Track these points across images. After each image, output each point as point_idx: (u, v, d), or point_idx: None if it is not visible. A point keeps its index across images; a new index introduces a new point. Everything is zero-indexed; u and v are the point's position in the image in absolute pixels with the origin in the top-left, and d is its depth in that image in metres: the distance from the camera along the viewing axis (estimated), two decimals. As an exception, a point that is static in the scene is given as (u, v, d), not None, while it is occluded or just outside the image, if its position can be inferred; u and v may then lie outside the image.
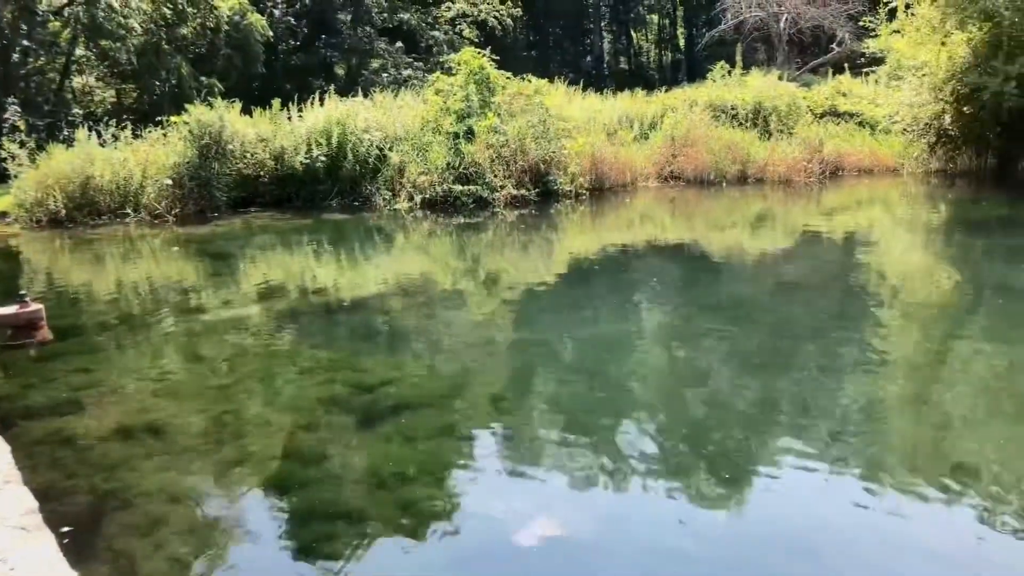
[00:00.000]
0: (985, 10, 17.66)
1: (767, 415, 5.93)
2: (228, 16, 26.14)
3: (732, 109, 20.07)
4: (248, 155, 16.59)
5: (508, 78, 17.77)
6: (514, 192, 16.04)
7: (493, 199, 15.80)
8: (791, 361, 7.14)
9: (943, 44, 18.91)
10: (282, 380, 6.72)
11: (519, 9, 36.92)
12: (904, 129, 19.62)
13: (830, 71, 26.48)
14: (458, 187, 15.84)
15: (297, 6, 31.54)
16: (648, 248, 12.57)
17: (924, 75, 19.25)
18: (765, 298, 9.68)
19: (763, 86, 21.20)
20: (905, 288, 10.05)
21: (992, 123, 17.89)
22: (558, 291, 9.95)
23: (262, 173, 16.59)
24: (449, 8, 34.81)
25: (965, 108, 17.95)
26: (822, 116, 20.91)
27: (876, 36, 21.79)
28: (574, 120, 18.43)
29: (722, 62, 22.93)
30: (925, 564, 4.09)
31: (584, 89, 22.42)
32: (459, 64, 17.53)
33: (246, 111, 17.54)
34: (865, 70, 23.31)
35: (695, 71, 41.01)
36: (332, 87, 18.64)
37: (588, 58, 50.33)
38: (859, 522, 4.40)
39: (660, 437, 5.55)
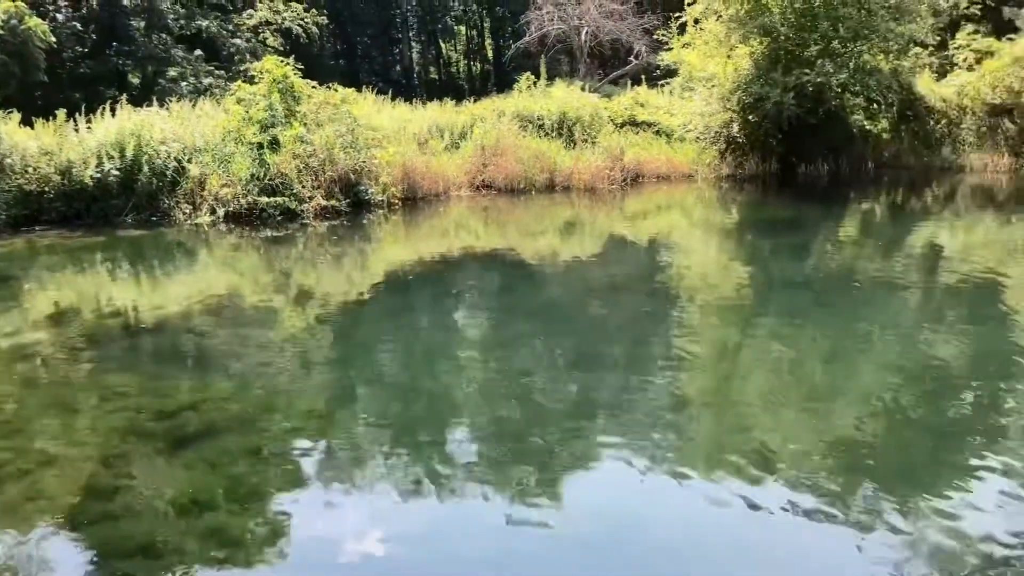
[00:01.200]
0: (764, 26, 19.14)
1: (585, 414, 6.12)
2: (3, 21, 24.07)
3: (539, 119, 20.64)
4: (30, 170, 15.32)
5: (314, 87, 17.41)
6: (324, 203, 15.72)
7: (302, 211, 15.41)
8: (605, 361, 7.40)
9: (729, 57, 20.33)
10: (76, 410, 6.22)
11: (324, 18, 36.30)
12: (697, 137, 20.88)
13: (629, 82, 27.82)
14: (264, 199, 15.33)
15: (84, 11, 29.50)
16: (464, 256, 12.68)
17: (713, 86, 20.62)
18: (578, 301, 10.00)
19: (567, 97, 21.94)
20: (704, 287, 10.68)
21: (775, 130, 19.39)
22: (373, 303, 9.84)
23: (47, 189, 15.35)
24: (251, 16, 33.71)
25: (751, 117, 19.36)
26: (622, 126, 21.88)
27: (669, 49, 23.07)
28: (384, 129, 18.32)
29: (528, 73, 23.53)
30: (733, 548, 4.35)
31: (394, 99, 22.36)
32: (261, 73, 17.00)
33: (27, 122, 16.19)
34: (661, 82, 24.63)
35: (503, 82, 41.86)
36: (125, 97, 17.55)
37: (398, 68, 50.28)
38: (673, 513, 4.64)
39: (482, 443, 5.59)
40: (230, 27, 33.57)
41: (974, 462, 5.32)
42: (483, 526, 4.52)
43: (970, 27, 21.89)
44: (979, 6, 20.54)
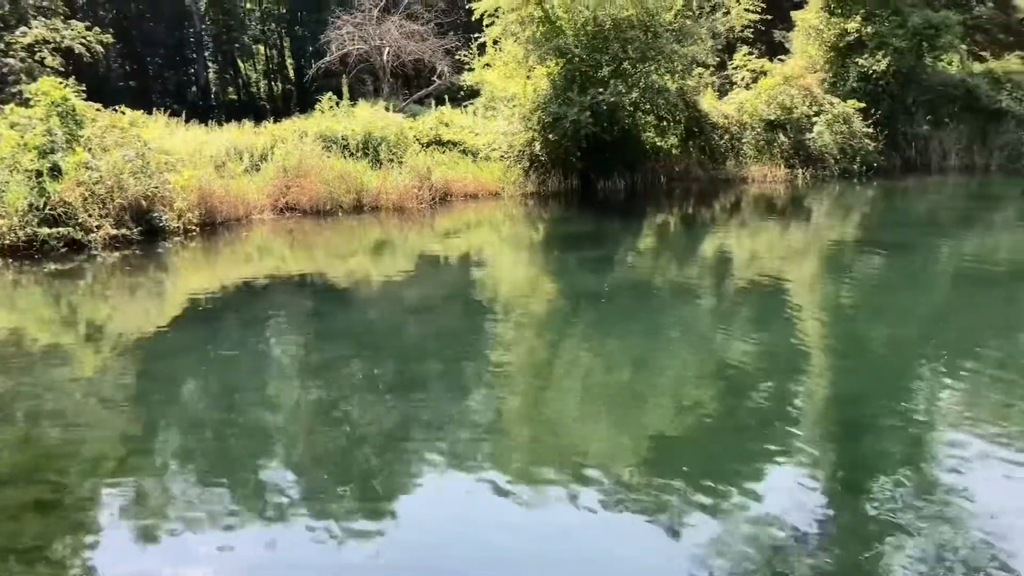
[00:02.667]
0: (559, 48, 19.96)
1: (403, 435, 6.15)
2: None
3: (343, 139, 20.44)
4: None
5: (98, 109, 16.42)
6: (113, 232, 14.82)
7: (89, 241, 14.45)
8: (421, 380, 7.46)
9: (528, 78, 21.02)
10: None
11: (110, 36, 34.29)
12: (501, 156, 21.41)
13: (434, 102, 28.09)
14: (45, 230, 14.26)
15: None
16: (270, 281, 12.35)
17: (515, 106, 21.24)
18: (391, 321, 10.00)
19: (371, 117, 21.88)
20: (515, 302, 10.98)
21: (574, 148, 20.21)
22: (172, 336, 9.39)
23: None
24: (25, 33, 31.27)
25: (551, 135, 20.08)
26: (428, 145, 22.07)
27: (471, 70, 23.53)
28: (177, 153, 17.53)
29: (330, 93, 23.27)
30: (551, 553, 4.52)
31: (189, 120, 21.45)
32: (37, 95, 15.85)
33: None
34: (465, 102, 25.07)
35: (306, 101, 41.07)
36: None
37: (193, 89, 48.20)
38: (496, 524, 4.77)
39: (300, 471, 5.49)
40: (1, 46, 31.01)
41: (771, 454, 5.81)
42: (305, 555, 4.45)
43: (745, 49, 23.78)
44: (751, 30, 22.34)
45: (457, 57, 27.07)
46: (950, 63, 25.30)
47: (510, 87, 21.57)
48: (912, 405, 6.83)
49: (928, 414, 6.64)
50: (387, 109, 24.01)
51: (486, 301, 11.05)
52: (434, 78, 33.93)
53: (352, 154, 20.29)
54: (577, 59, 20.06)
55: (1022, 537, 4.78)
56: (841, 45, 24.05)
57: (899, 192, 20.96)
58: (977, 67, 25.70)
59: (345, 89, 23.67)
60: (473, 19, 21.80)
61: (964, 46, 26.59)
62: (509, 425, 6.39)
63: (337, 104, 22.82)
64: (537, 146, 20.76)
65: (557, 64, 20.40)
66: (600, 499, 5.01)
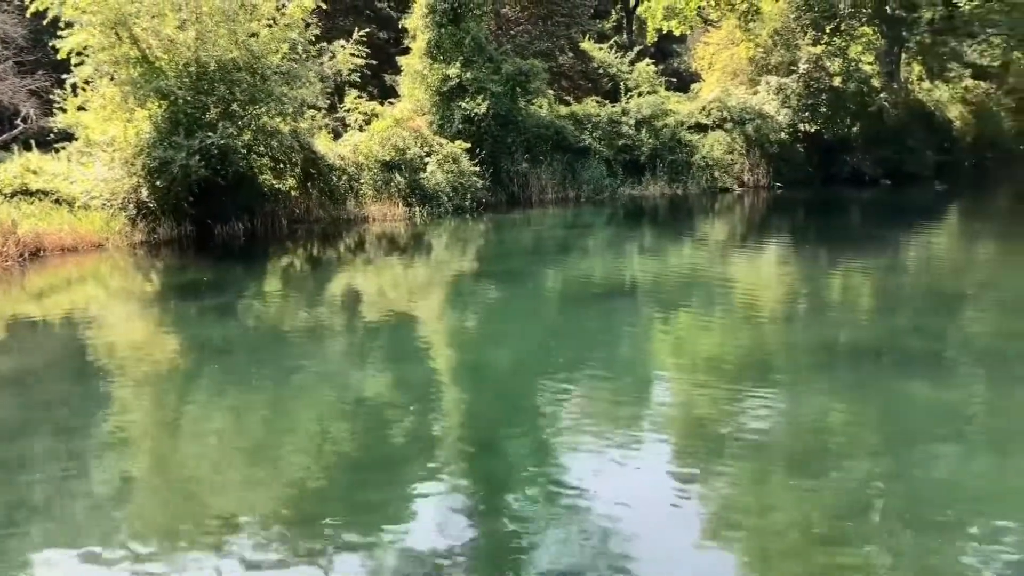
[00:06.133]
0: (160, 89, 19.14)
1: (22, 518, 5.59)
2: None
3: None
4: None
5: None
6: None
7: None
8: (20, 461, 6.80)
9: (129, 120, 19.85)
10: None
11: None
12: (103, 204, 19.94)
13: (18, 148, 25.37)
14: None
15: None
16: None
17: (115, 150, 19.91)
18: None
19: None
20: (131, 360, 10.40)
21: (186, 193, 19.43)
22: None
23: None
24: None
25: (158, 181, 19.13)
26: (13, 195, 19.94)
27: (64, 111, 21.66)
28: None
29: None
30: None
31: None
32: None
33: None
34: (56, 146, 22.97)
35: None
36: None
37: None
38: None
39: None
40: None
41: (414, 483, 6.16)
42: None
43: (354, 92, 24.58)
44: (358, 74, 23.16)
45: (47, 98, 24.75)
46: (541, 106, 28.24)
47: (109, 130, 20.20)
48: (537, 419, 7.64)
49: (552, 425, 7.47)
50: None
51: (97, 363, 10.31)
52: (18, 122, 30.76)
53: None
54: (181, 101, 19.39)
55: (641, 521, 5.62)
56: (445, 89, 25.82)
57: (507, 225, 22.97)
58: (563, 110, 28.96)
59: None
60: (58, 58, 20.15)
61: (551, 91, 29.84)
62: (132, 494, 6.09)
63: None
64: (144, 192, 19.67)
65: (160, 106, 19.55)
66: (244, 557, 4.98)
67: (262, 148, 21.12)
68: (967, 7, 30.95)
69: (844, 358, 9.76)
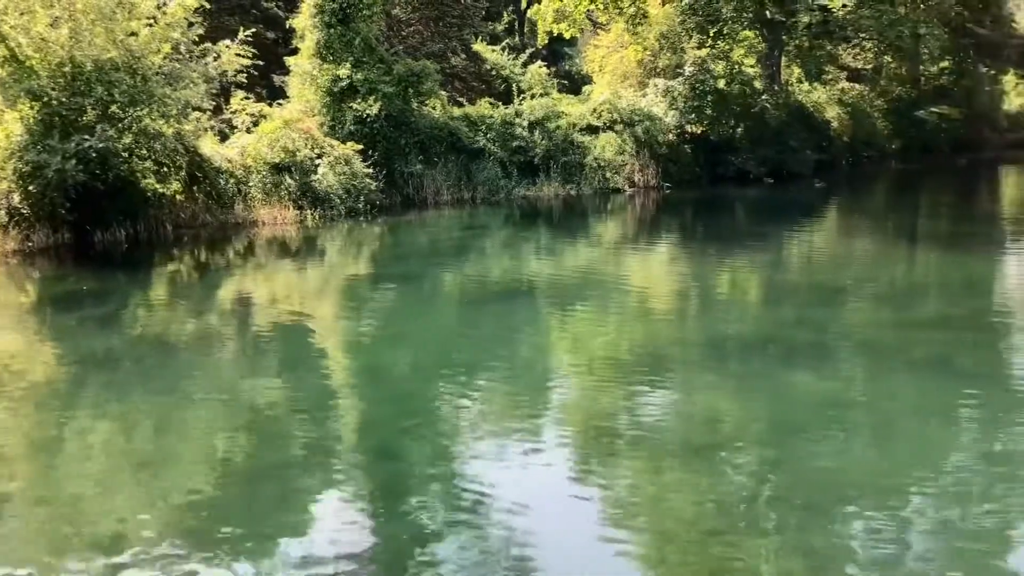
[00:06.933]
0: (31, 90, 18.25)
1: None
2: None
3: None
4: None
5: None
6: None
7: None
8: None
9: (-2, 123, 18.89)
10: None
11: None
12: (-28, 211, 18.91)
13: None
14: None
15: None
16: None
17: (-17, 154, 18.88)
18: None
19: None
20: (3, 376, 9.84)
21: (62, 199, 18.56)
22: None
23: None
24: None
25: (31, 187, 18.24)
26: None
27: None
28: None
29: None
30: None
31: None
32: None
33: None
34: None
35: None
36: None
37: None
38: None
39: None
40: None
41: (315, 491, 6.07)
42: None
43: (241, 93, 23.98)
44: (245, 75, 22.60)
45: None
46: (434, 108, 28.16)
47: (-22, 133, 19.16)
48: (436, 423, 7.63)
49: (451, 428, 7.48)
50: None
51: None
52: None
53: None
54: (56, 103, 18.53)
55: (540, 520, 5.68)
56: (335, 90, 25.46)
57: (402, 227, 22.85)
58: (457, 111, 28.95)
59: None
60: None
61: (445, 93, 29.80)
62: (10, 515, 5.78)
63: None
64: (16, 198, 18.72)
65: (32, 108, 18.63)
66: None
67: (144, 151, 20.38)
68: (841, 12, 32.44)
69: (733, 351, 10.08)
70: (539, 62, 32.15)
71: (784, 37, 33.74)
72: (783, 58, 34.77)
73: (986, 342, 10.16)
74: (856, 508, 5.79)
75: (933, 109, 37.43)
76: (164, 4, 20.27)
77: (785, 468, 6.51)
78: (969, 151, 37.00)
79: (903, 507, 5.80)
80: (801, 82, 36.06)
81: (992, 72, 41.10)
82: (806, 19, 32.18)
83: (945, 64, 39.82)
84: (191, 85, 20.46)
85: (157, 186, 21.31)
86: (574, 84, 38.78)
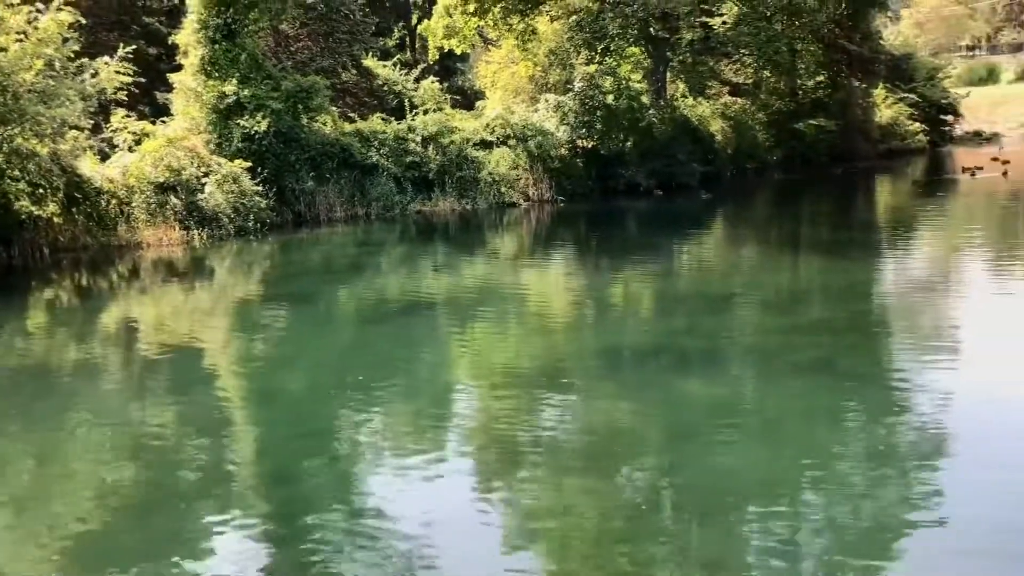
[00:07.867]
0: None
1: None
2: None
3: None
4: None
5: None
6: None
7: None
8: None
9: None
10: None
11: None
12: None
13: None
14: None
15: None
16: None
17: None
18: None
19: None
20: None
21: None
22: None
23: None
24: None
25: None
26: None
27: None
28: None
29: None
30: None
31: None
32: None
33: None
34: None
35: None
36: None
37: None
38: None
39: None
40: None
41: (210, 516, 5.90)
42: None
43: (122, 111, 23.16)
44: (125, 92, 21.84)
45: None
46: (325, 123, 27.80)
47: None
48: (335, 443, 7.53)
49: (350, 447, 7.39)
50: None
51: None
52: None
53: None
54: None
55: (445, 536, 5.66)
56: (222, 107, 24.87)
57: (295, 245, 22.46)
58: (349, 127, 28.65)
59: None
60: None
61: (336, 108, 29.47)
62: None
63: None
64: None
65: None
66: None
67: (17, 172, 19.45)
68: (722, 29, 33.59)
69: (628, 361, 10.30)
70: (431, 77, 32.20)
71: (668, 53, 34.73)
72: (668, 74, 35.77)
73: (865, 344, 10.68)
74: (748, 509, 5.99)
75: (811, 121, 39.08)
76: (36, 19, 19.42)
77: (682, 473, 6.69)
78: (845, 161, 38.78)
79: (794, 506, 6.04)
80: (686, 97, 37.11)
81: (864, 86, 43.18)
82: (689, 36, 33.22)
83: (821, 78, 41.59)
84: (67, 103, 19.64)
85: (32, 208, 20.34)
86: (467, 99, 38.97)
